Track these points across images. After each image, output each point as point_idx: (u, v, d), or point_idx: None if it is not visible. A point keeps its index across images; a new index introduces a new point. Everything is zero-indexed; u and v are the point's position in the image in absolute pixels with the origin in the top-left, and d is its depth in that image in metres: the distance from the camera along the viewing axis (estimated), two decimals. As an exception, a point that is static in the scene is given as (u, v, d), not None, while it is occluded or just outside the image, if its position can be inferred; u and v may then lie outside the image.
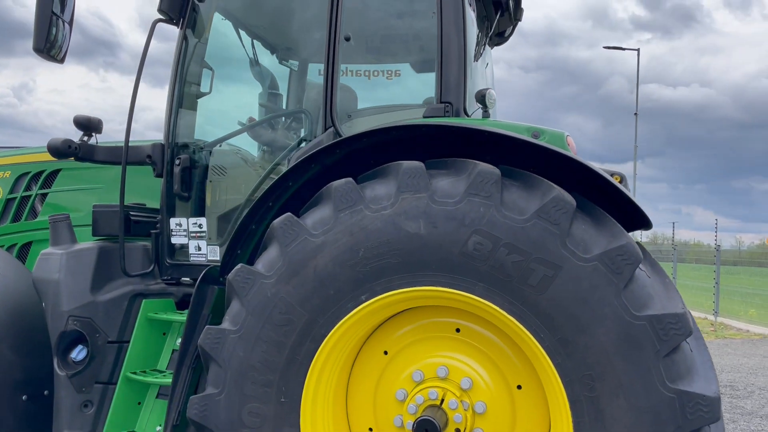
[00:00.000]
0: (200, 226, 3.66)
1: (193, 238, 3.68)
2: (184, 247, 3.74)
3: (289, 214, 2.93)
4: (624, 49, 29.28)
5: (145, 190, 4.16)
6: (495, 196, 2.68)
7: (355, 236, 2.81)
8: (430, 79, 4.86)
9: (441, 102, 3.38)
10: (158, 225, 3.78)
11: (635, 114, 28.91)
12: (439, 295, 2.80)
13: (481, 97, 3.33)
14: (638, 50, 28.94)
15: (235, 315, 2.94)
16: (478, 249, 2.67)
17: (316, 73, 4.77)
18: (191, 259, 3.70)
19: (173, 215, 3.75)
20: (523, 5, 4.51)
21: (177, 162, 3.66)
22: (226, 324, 2.95)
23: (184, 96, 3.83)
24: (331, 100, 3.46)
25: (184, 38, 3.80)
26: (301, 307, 2.86)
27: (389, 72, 4.55)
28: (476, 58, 3.87)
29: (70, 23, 3.37)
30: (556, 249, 2.60)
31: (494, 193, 2.69)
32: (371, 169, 3.10)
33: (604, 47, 30.00)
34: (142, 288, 3.69)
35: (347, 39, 3.48)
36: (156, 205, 3.96)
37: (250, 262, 3.23)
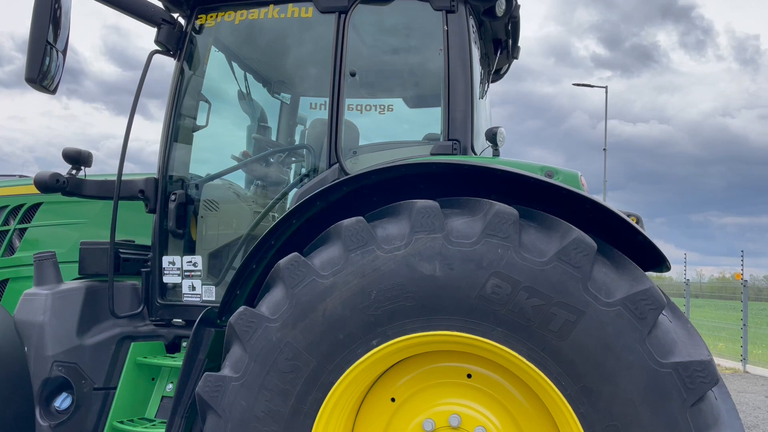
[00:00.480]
0: (195, 264, 3.50)
1: (187, 277, 3.51)
2: (176, 287, 3.56)
3: (296, 254, 2.81)
4: (592, 86, 30.08)
5: (132, 225, 3.99)
6: (513, 238, 2.60)
7: (367, 278, 2.69)
8: (424, 114, 4.85)
9: (448, 139, 3.32)
10: (149, 263, 3.61)
11: (604, 149, 29.51)
12: (455, 339, 2.69)
13: (492, 136, 3.28)
14: (606, 87, 29.73)
15: (236, 361, 2.78)
16: (497, 292, 2.58)
17: (307, 106, 4.71)
18: (184, 299, 3.53)
19: (166, 253, 3.58)
20: (519, 43, 4.52)
21: (172, 198, 3.51)
22: (226, 371, 2.79)
23: (179, 129, 3.70)
24: (336, 136, 3.36)
25: (181, 70, 3.68)
26: (309, 352, 2.72)
27: (382, 107, 4.50)
28: (481, 95, 3.84)
29: (64, 53, 3.23)
30: (578, 293, 2.52)
31: (512, 234, 2.61)
32: (375, 207, 3.01)
33: (573, 84, 30.81)
34: (130, 330, 3.49)
35: (353, 74, 3.41)
36: (144, 241, 3.79)
37: (249, 303, 3.08)
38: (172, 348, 3.61)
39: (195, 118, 3.77)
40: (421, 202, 2.74)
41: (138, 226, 3.92)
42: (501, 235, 2.61)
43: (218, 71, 3.93)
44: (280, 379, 2.72)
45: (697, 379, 2.42)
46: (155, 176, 3.63)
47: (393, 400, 3.02)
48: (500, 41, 4.21)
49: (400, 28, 3.75)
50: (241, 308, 2.82)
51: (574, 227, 2.61)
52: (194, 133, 3.76)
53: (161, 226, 3.58)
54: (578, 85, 30.57)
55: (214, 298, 3.47)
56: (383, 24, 3.74)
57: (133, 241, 3.84)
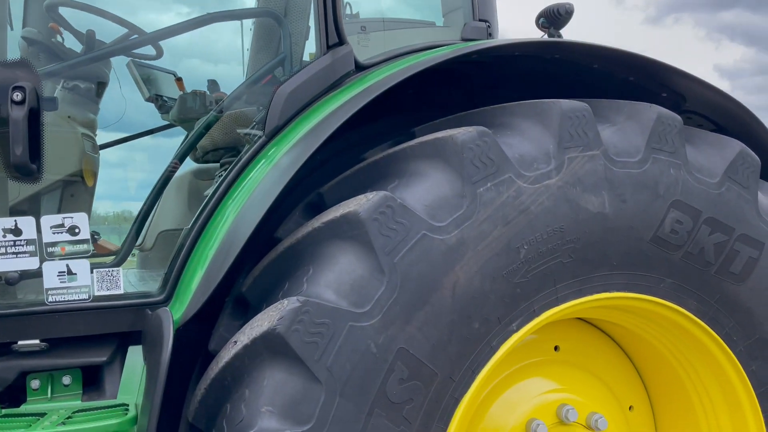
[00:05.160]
0: (75, 230, 1.78)
1: (54, 255, 1.79)
2: (26, 277, 1.80)
3: (385, 193, 1.58)
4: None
5: None
6: (680, 152, 1.90)
7: (512, 225, 1.67)
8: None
9: (480, 20, 2.32)
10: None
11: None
12: (607, 303, 1.88)
13: (566, 13, 2.37)
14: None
15: (298, 401, 1.47)
16: (676, 230, 1.85)
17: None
18: (50, 297, 1.80)
19: None
20: None
21: (17, 96, 1.69)
22: (274, 422, 1.45)
23: None
24: (335, 4, 2.02)
25: None
26: (433, 361, 1.58)
27: None
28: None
29: None
30: (755, 221, 1.98)
31: (679, 147, 1.90)
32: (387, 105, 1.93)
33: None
34: None
35: None
36: None
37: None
38: (10, 394, 1.88)
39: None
40: (565, 103, 1.79)
41: None
42: (668, 149, 1.88)
43: None
44: (391, 416, 1.53)
45: None
46: None
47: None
48: None
49: None
50: (295, 300, 1.48)
51: (727, 137, 2.03)
52: None
53: None
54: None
55: (121, 291, 1.84)
56: None
57: None
